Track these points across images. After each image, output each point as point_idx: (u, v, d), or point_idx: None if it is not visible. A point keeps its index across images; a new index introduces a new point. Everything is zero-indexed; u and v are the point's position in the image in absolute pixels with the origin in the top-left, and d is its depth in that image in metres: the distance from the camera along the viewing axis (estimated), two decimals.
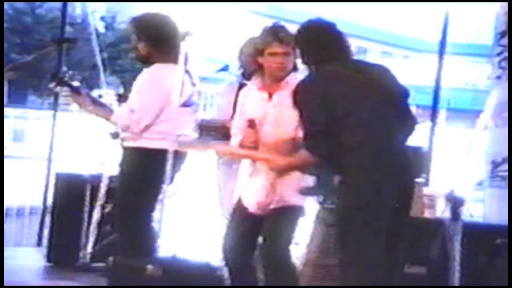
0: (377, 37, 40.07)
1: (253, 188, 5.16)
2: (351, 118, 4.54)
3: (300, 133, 4.91)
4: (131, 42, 5.94)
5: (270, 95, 5.16)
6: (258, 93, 5.20)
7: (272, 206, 5.09)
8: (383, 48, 41.18)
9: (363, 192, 4.45)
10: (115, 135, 5.90)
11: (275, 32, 5.09)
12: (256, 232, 5.17)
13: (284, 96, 5.05)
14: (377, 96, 4.61)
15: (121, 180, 5.84)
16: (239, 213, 5.23)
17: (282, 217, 5.07)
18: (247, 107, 5.24)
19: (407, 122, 4.73)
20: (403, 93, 4.76)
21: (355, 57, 5.00)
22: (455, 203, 3.33)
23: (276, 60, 5.07)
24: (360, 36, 39.75)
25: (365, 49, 41.19)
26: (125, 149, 5.83)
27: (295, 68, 5.15)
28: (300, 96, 4.66)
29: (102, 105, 5.85)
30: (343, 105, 4.58)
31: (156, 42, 5.82)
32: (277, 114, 5.11)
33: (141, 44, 5.85)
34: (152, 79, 5.79)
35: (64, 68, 5.94)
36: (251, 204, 5.15)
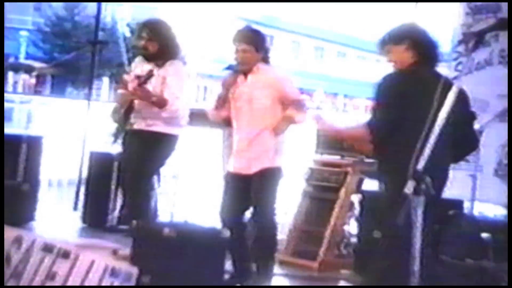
0: (354, 44, 40.02)
1: (234, 156, 5.30)
2: (408, 118, 4.27)
3: (269, 108, 5.15)
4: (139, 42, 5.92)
5: (245, 77, 5.29)
6: (240, 76, 5.32)
7: (253, 170, 5.18)
8: (359, 53, 41.13)
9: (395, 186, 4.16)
10: (116, 136, 5.96)
11: (234, 35, 5.31)
12: (243, 195, 5.24)
13: (255, 78, 5.25)
14: (436, 109, 4.00)
15: (144, 159, 5.83)
16: (229, 182, 5.34)
17: (263, 178, 5.18)
18: (234, 88, 5.33)
19: (466, 145, 4.51)
20: (468, 117, 4.47)
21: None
22: (418, 181, 3.35)
23: (237, 56, 5.26)
24: (341, 43, 39.75)
25: (344, 54, 41.16)
26: (146, 132, 5.83)
27: (264, 60, 5.29)
28: (380, 87, 4.39)
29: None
30: (405, 106, 4.29)
31: (167, 42, 5.85)
32: (249, 92, 5.24)
33: (152, 43, 5.85)
34: (183, 72, 5.89)
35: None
36: (235, 169, 5.27)
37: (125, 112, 5.86)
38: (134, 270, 4.20)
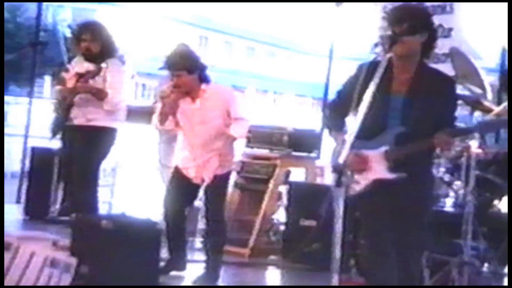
0: (283, 44, 40.19)
1: (190, 163, 5.18)
2: None
3: (222, 125, 5.03)
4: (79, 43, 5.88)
5: (193, 100, 5.11)
6: (186, 98, 5.12)
7: (206, 179, 5.15)
8: (287, 53, 41.38)
9: None
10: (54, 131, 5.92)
11: (166, 61, 5.14)
12: (189, 192, 5.24)
13: (205, 101, 5.08)
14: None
15: (89, 154, 5.79)
16: (177, 178, 5.26)
17: (218, 184, 5.18)
18: (182, 109, 5.13)
19: None
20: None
21: None
22: (339, 173, 3.37)
23: (174, 81, 5.07)
24: (271, 43, 39.95)
25: (273, 53, 41.35)
26: (88, 127, 5.78)
27: (203, 79, 5.10)
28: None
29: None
30: None
31: (107, 43, 5.86)
32: (202, 115, 5.10)
33: (95, 44, 5.82)
34: (121, 69, 5.92)
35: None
36: (190, 175, 5.18)
37: (66, 107, 5.82)
38: (73, 261, 4.14)
